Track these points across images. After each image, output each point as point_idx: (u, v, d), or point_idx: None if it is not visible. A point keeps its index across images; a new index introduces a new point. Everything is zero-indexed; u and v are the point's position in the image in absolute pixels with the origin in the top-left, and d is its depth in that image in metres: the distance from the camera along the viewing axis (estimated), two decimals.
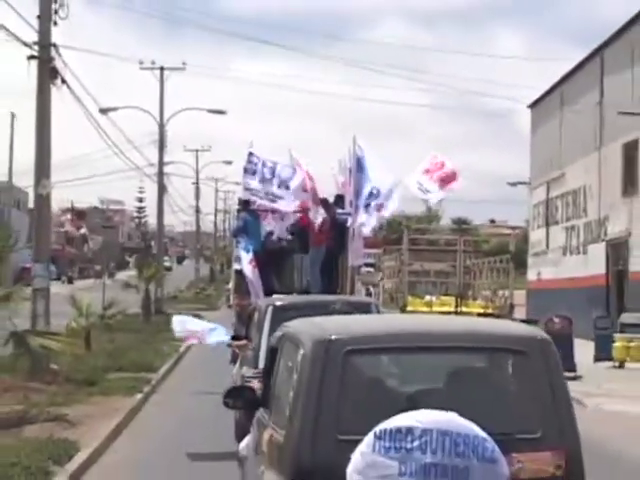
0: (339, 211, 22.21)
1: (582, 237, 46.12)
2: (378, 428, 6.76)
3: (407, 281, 28.07)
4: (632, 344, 31.82)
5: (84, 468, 15.23)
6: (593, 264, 43.92)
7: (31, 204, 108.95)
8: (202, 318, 27.36)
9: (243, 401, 9.71)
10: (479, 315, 28.45)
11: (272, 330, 12.06)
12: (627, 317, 34.20)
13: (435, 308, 28.42)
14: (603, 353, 31.91)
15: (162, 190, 56.38)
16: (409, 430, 6.71)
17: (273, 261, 22.64)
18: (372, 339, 7.90)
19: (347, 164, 22.51)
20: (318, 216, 22.16)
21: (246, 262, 21.81)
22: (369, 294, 32.70)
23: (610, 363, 31.72)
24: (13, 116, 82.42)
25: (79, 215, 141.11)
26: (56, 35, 25.97)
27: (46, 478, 13.59)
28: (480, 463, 6.68)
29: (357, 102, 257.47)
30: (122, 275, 74.39)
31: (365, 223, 22.00)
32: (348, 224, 21.78)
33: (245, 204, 23.39)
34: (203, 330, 19.16)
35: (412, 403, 7.19)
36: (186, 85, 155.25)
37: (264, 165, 22.15)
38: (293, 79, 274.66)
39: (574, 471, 7.29)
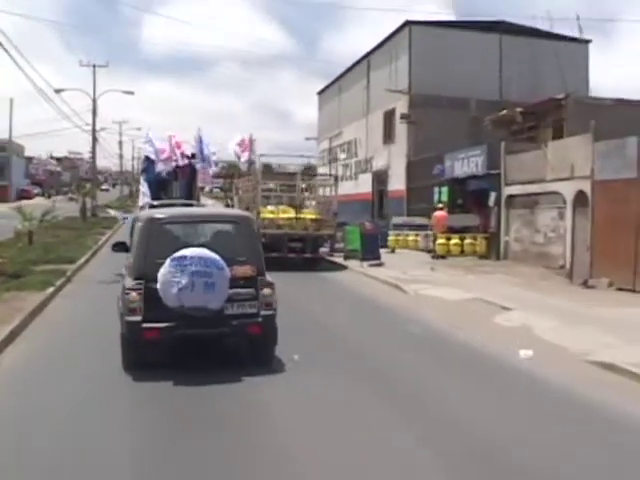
0: (193, 160, 21.76)
1: (354, 170, 38.62)
2: (171, 256, 7.32)
3: (260, 195, 19.35)
4: (399, 237, 26.31)
5: None
6: (363, 186, 36.59)
7: (27, 153, 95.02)
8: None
9: (122, 249, 9.46)
10: (311, 220, 20.08)
11: None
12: (396, 220, 27.96)
13: (280, 215, 19.58)
14: (382, 243, 24.73)
15: (95, 141, 47.41)
16: (184, 257, 7.31)
17: (161, 185, 21.44)
18: (174, 218, 8.22)
19: (197, 138, 22.00)
20: (184, 160, 21.62)
21: (145, 186, 21.60)
22: (227, 205, 27.66)
23: (386, 249, 24.71)
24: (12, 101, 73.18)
25: (57, 160, 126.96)
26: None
27: None
28: (217, 270, 7.33)
29: (207, 106, 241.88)
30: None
31: (205, 167, 21.90)
32: (197, 167, 21.71)
33: (147, 157, 22.49)
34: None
35: (189, 245, 7.54)
36: (112, 83, 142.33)
37: (152, 141, 21.79)
38: (175, 92, 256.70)
39: (260, 272, 7.80)
